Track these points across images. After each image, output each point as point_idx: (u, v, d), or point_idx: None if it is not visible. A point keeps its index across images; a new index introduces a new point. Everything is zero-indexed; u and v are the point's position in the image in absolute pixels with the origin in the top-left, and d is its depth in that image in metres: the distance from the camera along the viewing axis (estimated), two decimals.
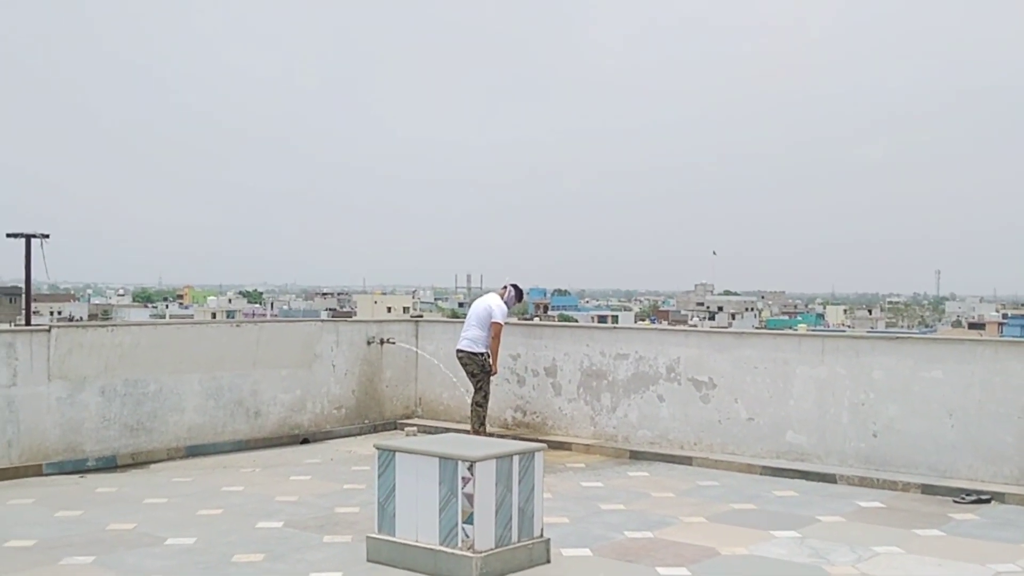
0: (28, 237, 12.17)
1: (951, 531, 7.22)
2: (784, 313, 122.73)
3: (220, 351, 10.43)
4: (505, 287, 11.04)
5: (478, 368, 10.63)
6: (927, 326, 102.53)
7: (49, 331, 9.28)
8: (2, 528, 7.05)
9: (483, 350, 10.64)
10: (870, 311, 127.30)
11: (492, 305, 10.77)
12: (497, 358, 10.79)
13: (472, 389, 10.75)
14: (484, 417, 10.65)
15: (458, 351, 10.79)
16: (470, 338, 10.69)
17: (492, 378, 10.81)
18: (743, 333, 10.34)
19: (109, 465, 9.42)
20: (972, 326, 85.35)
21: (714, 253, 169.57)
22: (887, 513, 7.79)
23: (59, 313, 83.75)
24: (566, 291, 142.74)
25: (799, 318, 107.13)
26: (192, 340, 10.27)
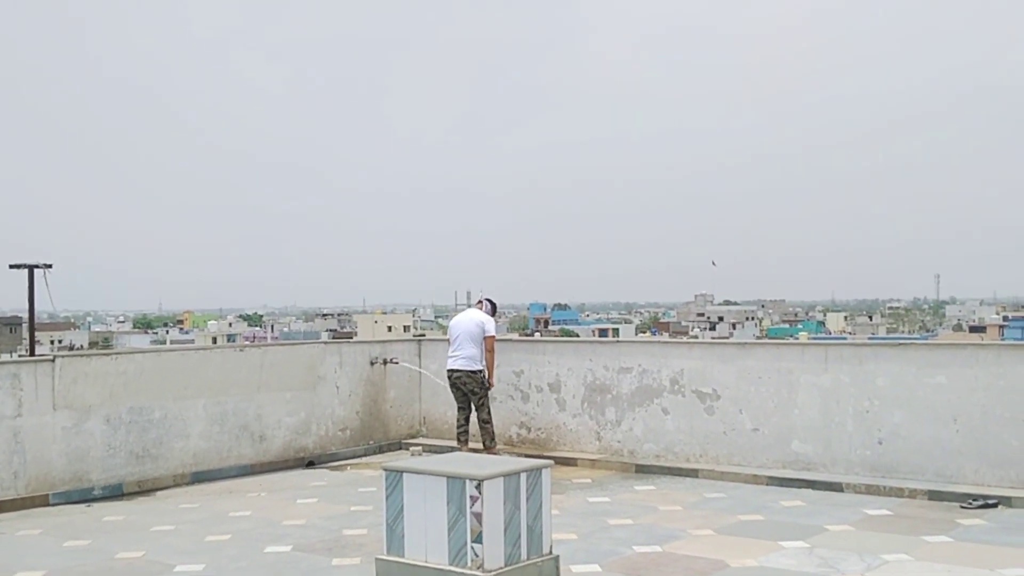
0: (31, 268, 12.17)
1: (959, 537, 7.22)
2: (785, 321, 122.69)
3: (224, 376, 10.45)
4: (481, 302, 11.15)
5: (478, 386, 10.74)
6: (928, 330, 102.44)
7: (53, 361, 9.30)
8: (11, 559, 7.05)
9: (480, 367, 10.73)
10: (871, 317, 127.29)
11: (483, 321, 10.85)
12: (494, 371, 10.92)
13: (461, 408, 10.88)
14: (494, 432, 10.82)
15: (453, 371, 10.82)
16: (467, 356, 10.72)
17: (491, 392, 10.98)
18: (746, 344, 10.36)
19: (116, 493, 9.42)
20: (973, 329, 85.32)
21: (713, 263, 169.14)
22: (895, 520, 7.80)
23: (60, 342, 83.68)
24: (566, 305, 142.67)
25: (800, 326, 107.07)
26: (196, 366, 10.29)
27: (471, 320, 10.91)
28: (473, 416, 10.93)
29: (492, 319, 10.99)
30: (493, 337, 10.87)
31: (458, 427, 10.99)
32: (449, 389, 11.02)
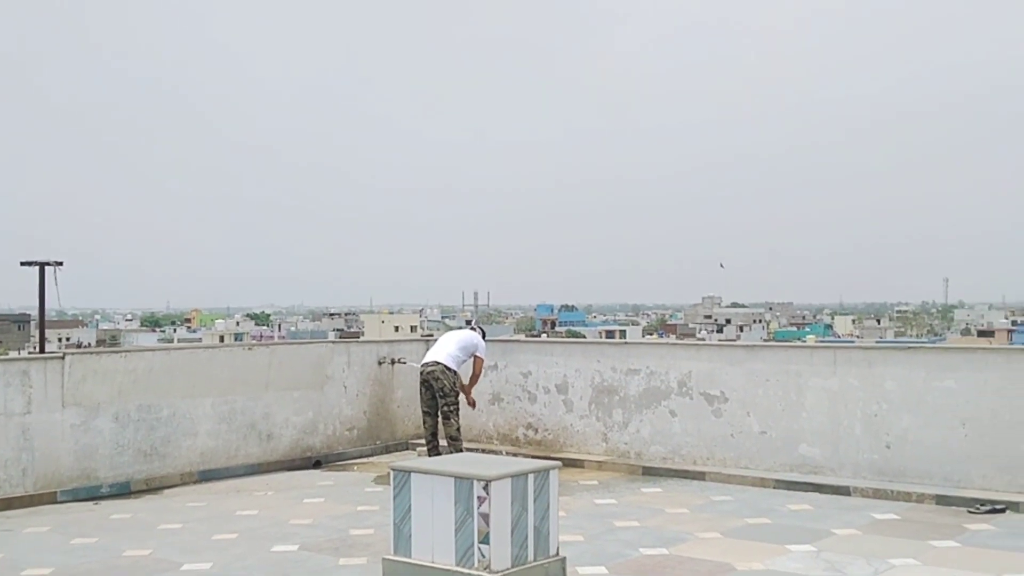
0: (42, 265, 12.18)
1: (966, 542, 7.20)
2: (792, 324, 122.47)
3: (232, 374, 10.47)
4: (473, 327, 10.86)
5: (450, 386, 9.99)
6: (936, 335, 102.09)
7: (63, 358, 9.33)
8: (18, 556, 7.07)
9: (457, 369, 10.14)
10: (879, 320, 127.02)
11: (479, 342, 10.39)
12: (473, 389, 10.50)
13: (427, 413, 10.16)
14: (462, 451, 9.95)
15: (431, 364, 10.06)
16: (448, 354, 10.10)
17: (472, 408, 10.58)
18: (754, 346, 10.35)
19: (123, 491, 9.45)
20: (981, 334, 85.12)
21: (721, 265, 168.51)
22: (902, 525, 7.78)
23: (68, 339, 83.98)
24: (573, 307, 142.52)
25: (808, 329, 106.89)
26: (204, 364, 10.31)
27: (467, 334, 10.51)
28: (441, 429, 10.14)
29: (485, 345, 10.57)
30: (483, 360, 10.41)
31: (426, 442, 10.25)
32: (419, 388, 10.21)
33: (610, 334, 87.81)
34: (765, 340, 74.95)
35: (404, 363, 12.04)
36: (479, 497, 5.79)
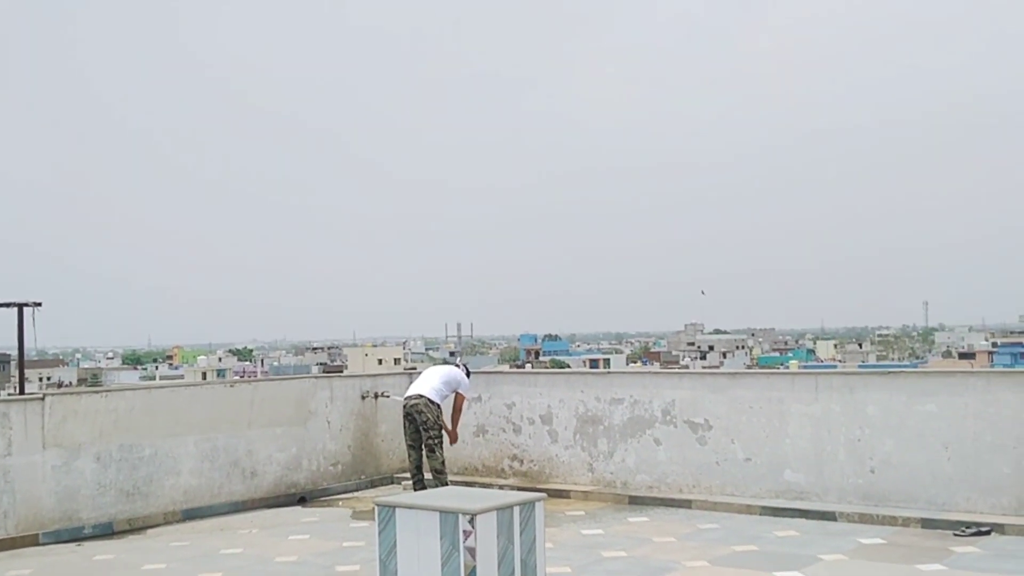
0: (20, 306, 12.10)
1: (953, 565, 7.22)
2: (775, 350, 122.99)
3: (214, 412, 10.41)
4: (458, 365, 10.88)
5: (433, 420, 10.01)
6: (917, 357, 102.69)
7: (43, 399, 9.26)
8: None
9: (440, 402, 10.16)
10: (860, 344, 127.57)
11: (462, 379, 10.47)
12: (457, 427, 10.54)
13: (412, 447, 10.19)
14: (448, 484, 9.89)
15: (414, 397, 10.11)
16: (431, 387, 10.15)
17: (453, 444, 10.57)
18: (737, 373, 10.39)
19: (106, 532, 9.35)
20: (962, 356, 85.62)
21: (703, 292, 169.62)
22: (888, 549, 7.79)
23: (48, 379, 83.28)
24: (557, 336, 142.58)
25: (790, 354, 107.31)
26: (186, 402, 10.26)
27: (451, 369, 10.57)
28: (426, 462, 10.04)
29: (468, 382, 10.66)
30: (465, 397, 10.49)
31: (411, 476, 10.27)
32: (402, 421, 10.28)
33: (594, 363, 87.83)
34: (748, 366, 75.22)
35: (388, 397, 12.01)
36: (465, 531, 5.77)
